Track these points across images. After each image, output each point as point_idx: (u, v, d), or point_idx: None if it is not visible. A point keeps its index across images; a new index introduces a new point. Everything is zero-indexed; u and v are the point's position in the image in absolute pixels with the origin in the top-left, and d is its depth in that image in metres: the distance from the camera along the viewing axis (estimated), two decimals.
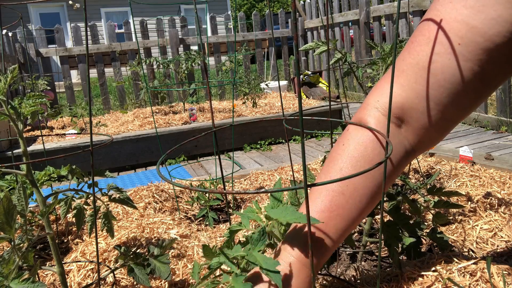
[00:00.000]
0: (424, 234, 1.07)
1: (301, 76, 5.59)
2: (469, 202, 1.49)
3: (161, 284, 1.10)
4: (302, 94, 5.51)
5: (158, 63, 4.27)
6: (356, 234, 1.41)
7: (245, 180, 2.14)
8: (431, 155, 2.13)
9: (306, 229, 0.69)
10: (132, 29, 5.57)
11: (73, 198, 1.01)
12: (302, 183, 0.81)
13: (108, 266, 1.20)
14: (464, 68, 0.64)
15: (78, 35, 5.25)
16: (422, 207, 1.08)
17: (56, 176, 1.35)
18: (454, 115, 0.70)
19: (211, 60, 9.44)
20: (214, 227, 1.58)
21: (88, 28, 5.59)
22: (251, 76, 4.80)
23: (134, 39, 5.54)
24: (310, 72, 5.69)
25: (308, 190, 0.52)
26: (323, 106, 3.96)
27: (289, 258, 0.66)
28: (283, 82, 6.20)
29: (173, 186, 1.92)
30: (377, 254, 1.22)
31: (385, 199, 1.05)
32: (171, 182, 0.53)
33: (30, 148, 3.26)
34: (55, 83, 5.42)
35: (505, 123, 3.46)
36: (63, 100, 6.62)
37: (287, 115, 1.02)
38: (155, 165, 3.54)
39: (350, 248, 1.27)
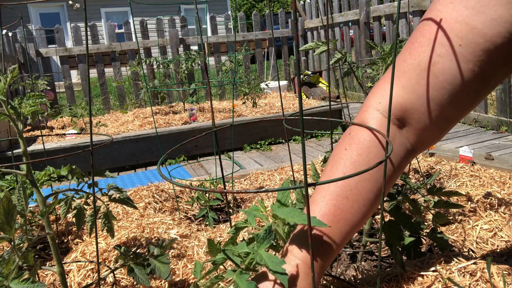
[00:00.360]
0: (424, 234, 1.08)
1: (301, 76, 5.59)
2: (469, 202, 1.49)
3: (161, 284, 1.10)
4: (302, 94, 5.51)
5: (158, 63, 4.27)
6: (356, 234, 1.41)
7: (245, 180, 2.14)
8: (431, 155, 2.13)
9: (313, 231, 0.69)
10: (132, 29, 5.57)
11: (73, 198, 1.01)
12: (302, 183, 0.81)
13: (108, 266, 1.20)
14: (465, 69, 0.65)
15: (78, 35, 5.25)
16: (422, 207, 1.08)
17: (56, 176, 1.35)
18: (454, 115, 0.70)
19: (211, 60, 9.44)
20: (214, 227, 1.58)
21: (88, 28, 5.59)
22: (251, 76, 4.80)
23: (134, 39, 5.54)
24: (310, 72, 5.69)
25: (309, 190, 0.52)
26: (323, 106, 3.96)
27: (296, 260, 0.66)
28: (283, 82, 6.21)
29: (173, 186, 1.92)
30: (377, 254, 1.22)
31: (385, 199, 1.05)
32: (171, 181, 0.53)
33: (30, 148, 3.26)
34: (55, 83, 5.42)
35: (505, 123, 3.46)
36: (63, 100, 6.62)
37: (287, 115, 1.02)
38: (155, 165, 3.54)
39: (350, 248, 1.27)
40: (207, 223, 1.63)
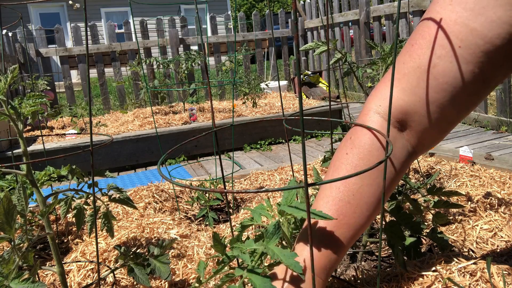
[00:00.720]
0: (424, 234, 1.07)
1: (301, 76, 5.59)
2: (469, 202, 1.49)
3: (161, 284, 1.10)
4: (302, 94, 5.51)
5: (158, 63, 4.27)
6: None
7: (245, 180, 2.14)
8: (431, 155, 2.13)
9: (319, 225, 0.69)
10: (132, 29, 5.57)
11: (73, 198, 1.01)
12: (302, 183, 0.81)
13: (108, 266, 1.20)
14: (465, 70, 0.65)
15: (78, 35, 5.25)
16: (422, 207, 1.08)
17: (56, 176, 1.35)
18: (454, 116, 0.71)
19: (211, 60, 9.44)
20: (214, 227, 1.58)
21: (88, 28, 5.59)
22: (251, 76, 4.80)
23: (134, 39, 5.54)
24: (310, 72, 5.69)
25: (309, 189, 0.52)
26: (323, 106, 3.96)
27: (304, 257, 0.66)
28: (283, 82, 6.21)
29: (173, 186, 1.92)
30: (377, 254, 1.22)
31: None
32: (171, 181, 0.53)
33: (30, 148, 3.26)
34: (55, 83, 5.42)
35: (505, 123, 3.46)
36: (63, 100, 6.62)
37: (287, 115, 1.02)
38: (155, 165, 3.54)
39: (350, 248, 1.27)
40: (207, 223, 1.63)
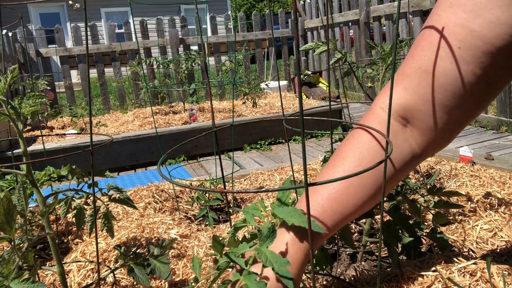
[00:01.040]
0: (424, 234, 1.07)
1: (301, 76, 5.59)
2: (469, 202, 1.49)
3: (161, 284, 1.10)
4: (302, 94, 5.51)
5: (158, 63, 4.27)
6: (356, 234, 1.41)
7: (245, 180, 2.14)
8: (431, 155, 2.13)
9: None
10: (132, 29, 5.57)
11: (73, 198, 1.01)
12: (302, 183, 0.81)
13: (108, 266, 1.20)
14: (466, 71, 0.65)
15: (78, 35, 5.25)
16: (422, 207, 1.08)
17: (56, 176, 1.35)
18: (460, 117, 0.71)
19: (211, 60, 9.44)
20: (214, 227, 1.58)
21: (88, 28, 5.59)
22: (251, 76, 4.80)
23: (134, 39, 5.54)
24: (310, 72, 5.69)
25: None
26: (323, 106, 3.96)
27: (286, 238, 0.67)
28: (283, 82, 6.20)
29: (173, 186, 1.92)
30: (377, 254, 1.23)
31: (384, 199, 1.05)
32: (171, 181, 0.53)
33: (30, 148, 3.26)
34: (55, 83, 5.42)
35: (505, 123, 3.46)
36: (63, 100, 6.62)
37: (287, 115, 1.02)
38: (155, 165, 3.54)
39: (350, 248, 1.27)
40: (207, 223, 1.63)
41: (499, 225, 1.31)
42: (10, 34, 4.98)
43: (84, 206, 1.02)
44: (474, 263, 0.79)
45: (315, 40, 1.97)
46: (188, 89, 4.71)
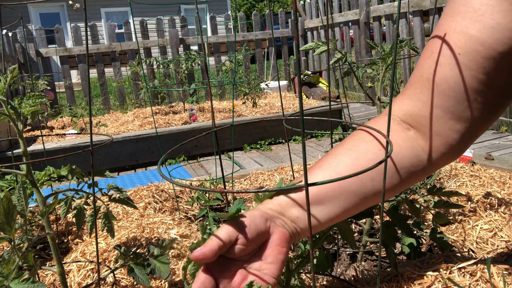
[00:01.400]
0: (424, 234, 1.07)
1: (301, 76, 5.59)
2: (469, 202, 1.49)
3: (161, 284, 1.10)
4: (302, 94, 5.51)
5: (158, 63, 4.27)
6: (356, 234, 1.41)
7: (245, 180, 2.14)
8: None
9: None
10: (132, 29, 5.57)
11: (73, 198, 1.01)
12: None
13: (108, 266, 1.20)
14: (467, 76, 0.66)
15: (78, 35, 5.25)
16: (422, 207, 1.08)
17: (56, 176, 1.35)
18: (470, 122, 0.69)
19: (211, 60, 9.43)
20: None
21: (88, 28, 5.59)
22: (251, 76, 4.80)
23: (134, 39, 5.54)
24: (310, 72, 5.68)
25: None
26: (323, 106, 3.96)
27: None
28: (283, 82, 6.20)
29: (173, 186, 1.92)
30: (377, 254, 1.23)
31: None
32: (171, 181, 0.53)
33: (30, 148, 3.26)
34: (55, 83, 5.42)
35: (505, 123, 3.46)
36: (63, 100, 6.62)
37: (287, 115, 1.02)
38: (155, 165, 3.54)
39: (350, 248, 1.27)
40: (207, 223, 1.63)
41: (499, 225, 1.31)
42: (10, 34, 4.98)
43: (84, 206, 1.02)
44: (474, 263, 0.79)
45: (315, 40, 1.97)
46: (188, 89, 4.72)
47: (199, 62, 4.30)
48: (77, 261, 1.23)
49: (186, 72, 4.06)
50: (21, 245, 0.77)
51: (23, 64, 4.98)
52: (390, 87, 0.60)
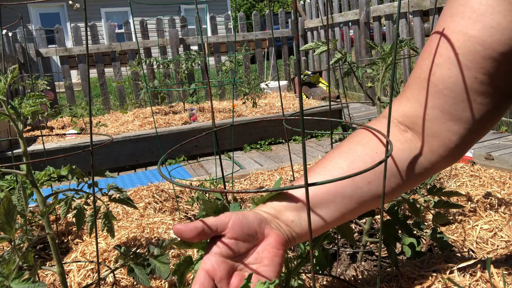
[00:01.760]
0: (424, 234, 1.07)
1: (301, 76, 5.59)
2: (469, 202, 1.49)
3: (161, 284, 1.10)
4: (302, 94, 5.51)
5: (158, 63, 4.27)
6: (356, 234, 1.41)
7: (245, 180, 2.14)
8: None
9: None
10: (132, 29, 5.57)
11: (73, 198, 1.01)
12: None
13: (108, 266, 1.20)
14: (466, 76, 0.65)
15: (78, 35, 5.25)
16: (422, 207, 1.08)
17: (56, 176, 1.35)
18: (469, 124, 0.68)
19: (211, 60, 9.44)
20: None
21: (88, 28, 5.59)
22: (251, 76, 4.80)
23: (134, 39, 5.54)
24: (310, 72, 5.69)
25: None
26: (323, 106, 3.96)
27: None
28: (283, 82, 6.21)
29: (173, 186, 1.92)
30: (377, 254, 1.23)
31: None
32: (171, 181, 0.53)
33: (30, 148, 3.26)
34: (55, 83, 5.42)
35: (505, 123, 3.46)
36: (63, 100, 6.62)
37: (287, 115, 1.02)
38: (155, 165, 3.54)
39: (350, 248, 1.27)
40: None
41: (499, 225, 1.31)
42: (10, 34, 4.98)
43: (84, 206, 1.02)
44: (474, 263, 0.79)
45: (315, 40, 1.97)
46: (188, 89, 4.71)
47: (199, 62, 4.30)
48: (77, 261, 1.23)
49: (186, 72, 4.06)
50: (21, 245, 0.77)
51: (23, 64, 4.98)
52: (390, 87, 0.60)
